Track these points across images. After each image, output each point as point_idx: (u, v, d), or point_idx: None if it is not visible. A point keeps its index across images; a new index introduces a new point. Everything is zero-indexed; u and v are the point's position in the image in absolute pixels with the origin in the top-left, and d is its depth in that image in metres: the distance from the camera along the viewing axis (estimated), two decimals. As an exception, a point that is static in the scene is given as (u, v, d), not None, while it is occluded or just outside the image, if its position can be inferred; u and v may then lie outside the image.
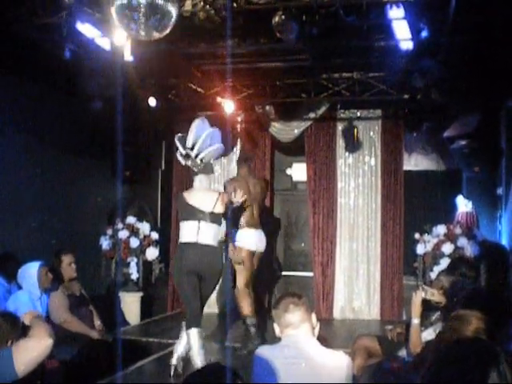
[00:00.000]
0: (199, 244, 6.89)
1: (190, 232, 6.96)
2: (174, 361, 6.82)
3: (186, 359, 6.80)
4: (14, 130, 8.76)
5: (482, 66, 8.30)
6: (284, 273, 11.50)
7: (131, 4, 5.02)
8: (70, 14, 6.92)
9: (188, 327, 6.74)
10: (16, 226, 8.70)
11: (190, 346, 6.69)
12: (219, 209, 7.05)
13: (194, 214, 6.99)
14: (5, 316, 4.11)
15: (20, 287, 6.68)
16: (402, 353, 5.39)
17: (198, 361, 6.54)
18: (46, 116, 9.27)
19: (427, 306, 5.24)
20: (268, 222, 11.00)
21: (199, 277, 6.87)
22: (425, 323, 5.25)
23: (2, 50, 7.75)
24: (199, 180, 7.26)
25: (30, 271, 6.53)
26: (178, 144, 7.38)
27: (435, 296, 5.18)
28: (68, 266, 7.16)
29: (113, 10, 5.16)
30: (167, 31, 5.31)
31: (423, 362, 3.76)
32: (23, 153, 8.97)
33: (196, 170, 7.26)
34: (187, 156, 7.24)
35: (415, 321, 5.16)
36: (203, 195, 7.14)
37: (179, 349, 6.84)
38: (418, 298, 5.20)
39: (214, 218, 7.03)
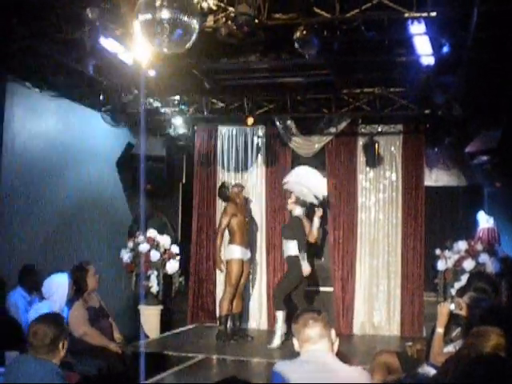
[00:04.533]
0: None
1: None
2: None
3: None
4: (38, 142, 8.85)
5: (504, 81, 8.26)
6: (304, 287, 11.47)
7: (154, 19, 5.08)
8: (94, 29, 6.99)
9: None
10: (36, 238, 8.76)
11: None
12: None
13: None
14: (46, 320, 4.09)
15: (41, 299, 6.72)
16: (422, 369, 5.35)
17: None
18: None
19: (449, 322, 5.22)
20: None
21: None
22: (445, 339, 5.22)
23: (26, 65, 7.86)
24: None
25: (60, 282, 6.57)
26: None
27: (463, 310, 5.15)
28: (93, 275, 7.19)
29: (136, 26, 5.22)
30: (189, 46, 5.36)
31: (444, 377, 3.74)
32: (46, 165, 9.05)
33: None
34: None
35: (439, 330, 5.16)
36: None
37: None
38: (445, 308, 5.21)
39: None
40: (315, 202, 9.89)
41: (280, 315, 9.22)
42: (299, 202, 9.71)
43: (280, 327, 9.19)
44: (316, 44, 6.74)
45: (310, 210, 9.99)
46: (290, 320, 9.91)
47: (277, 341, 9.14)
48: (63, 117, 9.30)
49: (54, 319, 4.17)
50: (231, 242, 9.66)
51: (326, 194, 10.27)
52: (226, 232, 9.70)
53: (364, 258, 10.76)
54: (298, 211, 9.68)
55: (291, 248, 9.41)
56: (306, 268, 9.26)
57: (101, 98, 9.37)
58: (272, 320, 10.76)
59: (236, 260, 9.48)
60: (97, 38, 7.12)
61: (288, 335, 8.89)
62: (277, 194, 11.04)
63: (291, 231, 9.54)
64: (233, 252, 9.55)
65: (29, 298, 7.36)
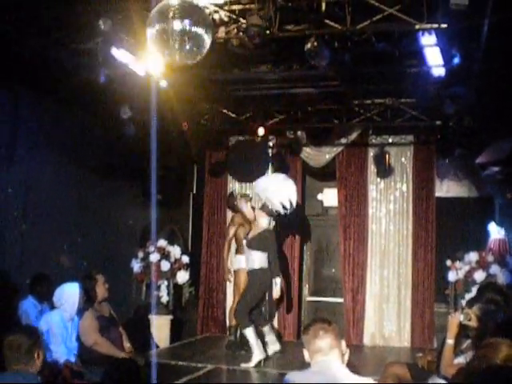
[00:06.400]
0: None
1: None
2: None
3: None
4: (49, 152, 8.90)
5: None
6: (314, 298, 11.45)
7: (166, 30, 5.11)
8: (106, 40, 7.04)
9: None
10: (48, 247, 8.79)
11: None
12: None
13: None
14: (20, 331, 4.15)
15: (52, 307, 6.74)
16: (433, 381, 5.34)
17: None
18: (80, 139, 9.41)
19: (459, 333, 5.21)
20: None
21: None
22: (456, 351, 5.20)
23: (39, 75, 7.90)
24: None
25: (71, 291, 6.59)
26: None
27: (472, 321, 5.13)
28: (103, 285, 7.20)
29: (148, 36, 5.25)
30: (201, 57, 5.39)
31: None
32: (57, 175, 9.10)
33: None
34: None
35: (449, 341, 5.14)
36: None
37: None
38: (455, 319, 5.19)
39: None
40: (281, 211, 9.11)
41: (249, 332, 8.59)
42: (266, 210, 9.03)
43: (255, 344, 8.56)
44: (327, 55, 6.76)
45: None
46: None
47: (256, 357, 8.50)
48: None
49: (27, 330, 4.26)
50: (238, 251, 9.63)
51: (294, 203, 9.25)
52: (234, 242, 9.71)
53: (375, 269, 10.74)
54: (264, 221, 8.99)
55: (256, 260, 8.78)
56: (277, 291, 8.69)
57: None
58: (283, 330, 10.76)
59: (243, 270, 9.38)
60: (109, 49, 7.16)
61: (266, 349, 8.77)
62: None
63: (261, 242, 8.82)
64: (240, 262, 9.50)
65: (40, 307, 7.38)
